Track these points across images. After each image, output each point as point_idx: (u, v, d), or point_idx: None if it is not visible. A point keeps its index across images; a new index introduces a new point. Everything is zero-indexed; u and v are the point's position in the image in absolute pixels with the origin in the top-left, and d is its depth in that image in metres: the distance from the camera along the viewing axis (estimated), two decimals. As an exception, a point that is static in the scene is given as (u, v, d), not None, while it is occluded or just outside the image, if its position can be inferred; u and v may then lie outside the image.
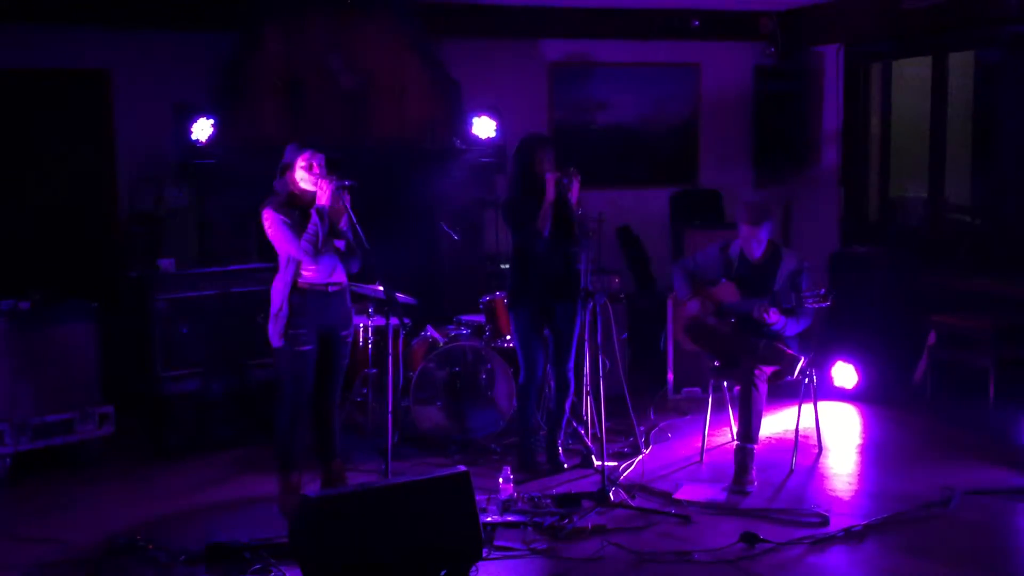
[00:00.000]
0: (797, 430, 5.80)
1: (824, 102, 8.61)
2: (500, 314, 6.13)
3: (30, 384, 5.65)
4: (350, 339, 5.17)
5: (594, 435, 5.76)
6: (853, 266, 7.39)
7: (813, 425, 5.96)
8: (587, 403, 5.99)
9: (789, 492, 5.31)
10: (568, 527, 4.75)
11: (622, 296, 7.12)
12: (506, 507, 4.93)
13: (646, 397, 6.92)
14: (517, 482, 5.15)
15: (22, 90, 7.27)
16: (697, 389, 7.02)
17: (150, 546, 4.57)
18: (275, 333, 4.90)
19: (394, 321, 5.30)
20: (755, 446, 5.41)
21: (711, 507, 5.07)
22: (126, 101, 7.43)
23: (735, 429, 5.65)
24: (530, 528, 4.77)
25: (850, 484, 5.46)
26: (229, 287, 6.21)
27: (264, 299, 5.09)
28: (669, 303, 6.98)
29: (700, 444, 5.91)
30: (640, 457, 5.85)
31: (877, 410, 6.76)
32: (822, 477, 5.56)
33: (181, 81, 7.22)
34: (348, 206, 4.87)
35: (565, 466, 5.67)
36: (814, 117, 8.70)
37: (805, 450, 5.92)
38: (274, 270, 5.04)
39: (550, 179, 5.39)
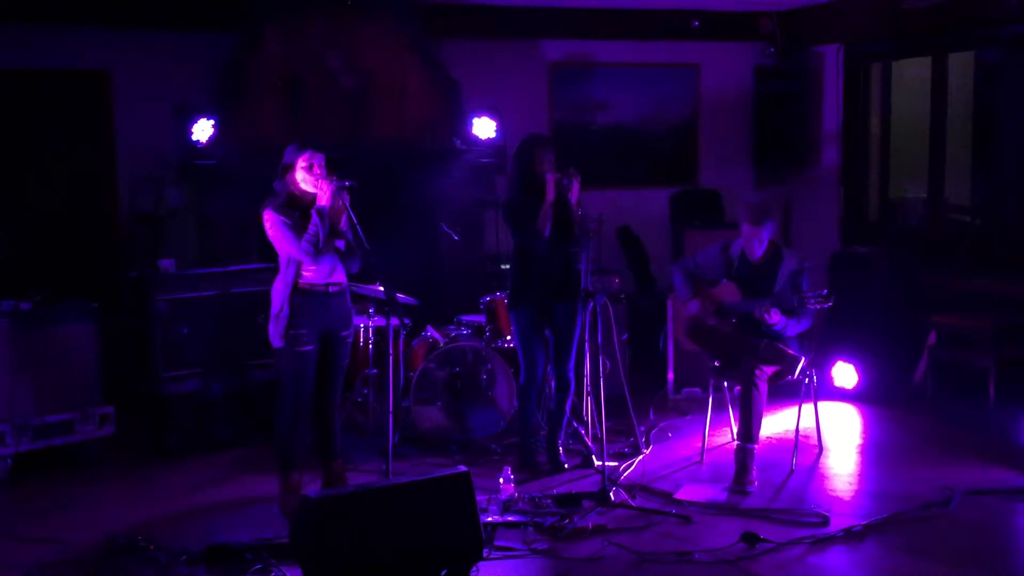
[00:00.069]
0: (797, 430, 5.80)
1: (824, 102, 8.61)
2: (500, 314, 6.13)
3: (31, 384, 5.65)
4: (350, 339, 5.18)
5: (594, 435, 5.76)
6: (853, 266, 7.39)
7: (813, 425, 5.96)
8: (587, 403, 5.99)
9: (789, 492, 5.31)
10: (569, 527, 4.75)
11: (622, 296, 7.12)
12: (507, 507, 4.93)
13: (646, 397, 6.92)
14: (518, 482, 5.15)
15: (22, 90, 7.27)
16: (697, 389, 7.02)
17: (150, 546, 4.58)
18: (276, 334, 4.91)
19: (394, 321, 5.30)
20: (755, 446, 5.41)
21: (712, 507, 5.08)
22: (126, 101, 7.43)
23: (735, 429, 5.65)
24: (531, 528, 4.77)
25: (850, 484, 5.46)
26: (229, 287, 6.21)
27: (264, 299, 5.09)
28: (669, 303, 6.98)
29: (700, 444, 5.91)
30: (640, 457, 5.85)
31: (877, 410, 6.77)
32: (822, 477, 5.56)
33: (181, 81, 7.23)
34: (348, 205, 4.87)
35: (566, 466, 5.67)
36: (814, 117, 8.70)
37: (805, 450, 5.92)
38: (274, 271, 5.04)
39: (550, 179, 5.39)
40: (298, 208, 4.90)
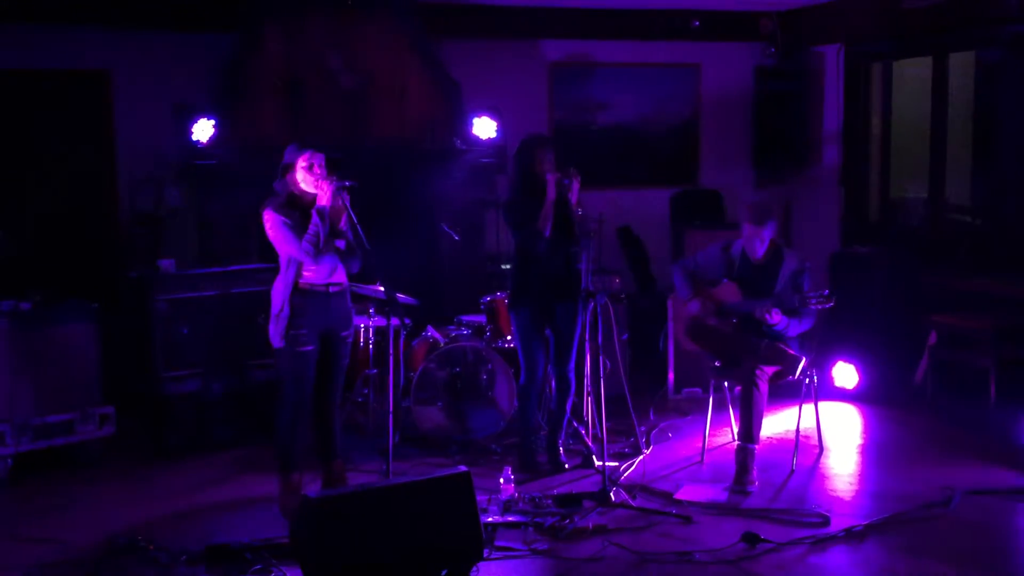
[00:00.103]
0: (798, 430, 5.80)
1: (824, 102, 8.61)
2: (501, 314, 6.13)
3: (31, 384, 5.65)
4: (351, 339, 5.17)
5: (595, 435, 5.76)
6: (853, 266, 7.38)
7: (814, 425, 5.95)
8: (588, 403, 5.99)
9: (790, 492, 5.31)
10: (569, 527, 4.75)
11: (623, 296, 7.11)
12: (507, 507, 4.93)
13: (647, 397, 6.92)
14: (518, 482, 5.15)
15: (22, 90, 7.27)
16: (698, 389, 7.02)
17: (151, 546, 4.57)
18: (276, 334, 4.90)
19: (395, 321, 5.30)
20: (756, 446, 5.40)
21: (712, 507, 5.07)
22: (126, 101, 7.43)
23: (736, 429, 5.65)
24: (531, 528, 4.76)
25: (851, 484, 5.46)
26: (229, 288, 6.20)
27: (264, 300, 5.09)
28: (670, 303, 6.97)
29: (701, 444, 5.91)
30: (641, 457, 5.84)
31: (878, 410, 6.76)
32: (823, 477, 5.56)
33: (181, 81, 7.23)
34: (348, 205, 4.87)
35: (566, 466, 5.67)
36: (814, 117, 8.70)
37: (806, 450, 5.92)
38: (274, 271, 5.04)
39: (551, 179, 5.39)
40: (298, 208, 4.90)
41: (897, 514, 4.90)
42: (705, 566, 4.40)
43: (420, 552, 4.06)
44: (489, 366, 6.17)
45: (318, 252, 4.84)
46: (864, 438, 6.27)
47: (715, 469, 5.67)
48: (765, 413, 5.51)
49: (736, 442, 5.48)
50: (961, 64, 7.60)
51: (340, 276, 5.04)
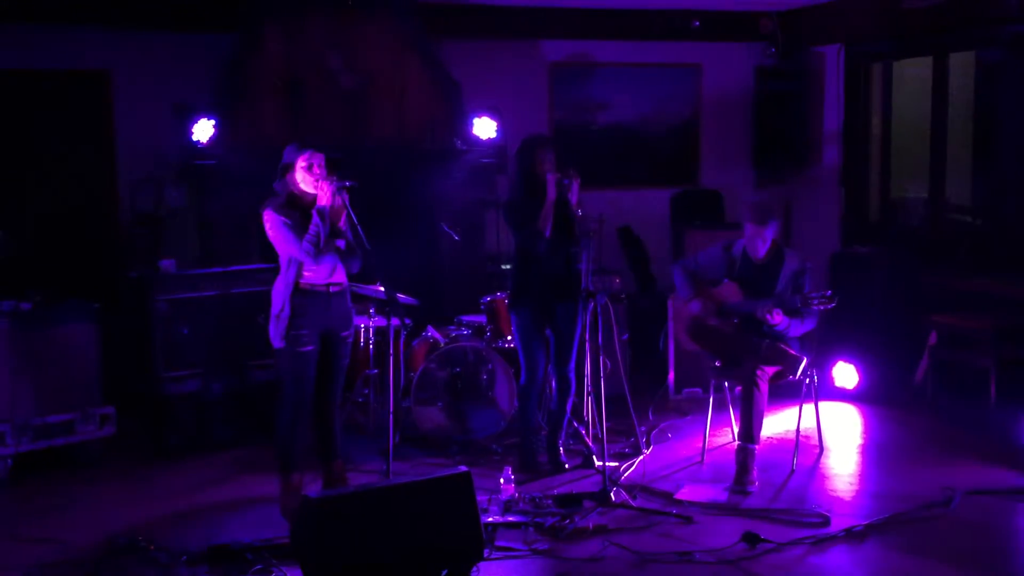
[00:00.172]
0: (798, 430, 5.80)
1: (824, 102, 8.60)
2: (501, 314, 6.12)
3: (31, 385, 5.65)
4: (351, 339, 5.17)
5: (595, 435, 5.76)
6: (854, 266, 7.39)
7: (814, 425, 5.95)
8: (588, 403, 5.99)
9: (790, 492, 5.31)
10: (569, 527, 4.75)
11: (623, 296, 7.11)
12: (507, 507, 4.93)
13: (647, 397, 6.92)
14: (518, 482, 5.15)
15: (22, 90, 7.27)
16: (698, 389, 7.02)
17: (151, 546, 4.58)
18: (276, 334, 4.90)
19: (395, 322, 5.30)
20: (756, 446, 5.40)
21: (712, 507, 5.07)
22: (126, 101, 7.43)
23: (736, 429, 5.65)
24: (531, 528, 4.76)
25: (851, 484, 5.46)
26: (230, 288, 6.20)
27: (265, 300, 5.08)
28: (670, 303, 6.97)
29: (701, 444, 5.91)
30: (641, 457, 5.84)
31: (878, 410, 6.76)
32: (823, 477, 5.56)
33: (181, 81, 7.23)
34: (348, 205, 4.87)
35: (566, 466, 5.67)
36: (814, 117, 8.70)
37: (806, 450, 5.92)
38: (275, 271, 5.04)
39: (551, 180, 5.39)
40: (298, 208, 4.89)
41: (897, 514, 4.90)
42: (705, 566, 4.40)
43: (420, 552, 4.06)
44: (489, 366, 6.17)
45: (318, 252, 4.84)
46: (864, 438, 6.27)
47: (715, 469, 5.67)
48: (765, 413, 5.50)
49: (736, 442, 5.48)
50: (961, 64, 7.60)
51: (340, 276, 5.04)
